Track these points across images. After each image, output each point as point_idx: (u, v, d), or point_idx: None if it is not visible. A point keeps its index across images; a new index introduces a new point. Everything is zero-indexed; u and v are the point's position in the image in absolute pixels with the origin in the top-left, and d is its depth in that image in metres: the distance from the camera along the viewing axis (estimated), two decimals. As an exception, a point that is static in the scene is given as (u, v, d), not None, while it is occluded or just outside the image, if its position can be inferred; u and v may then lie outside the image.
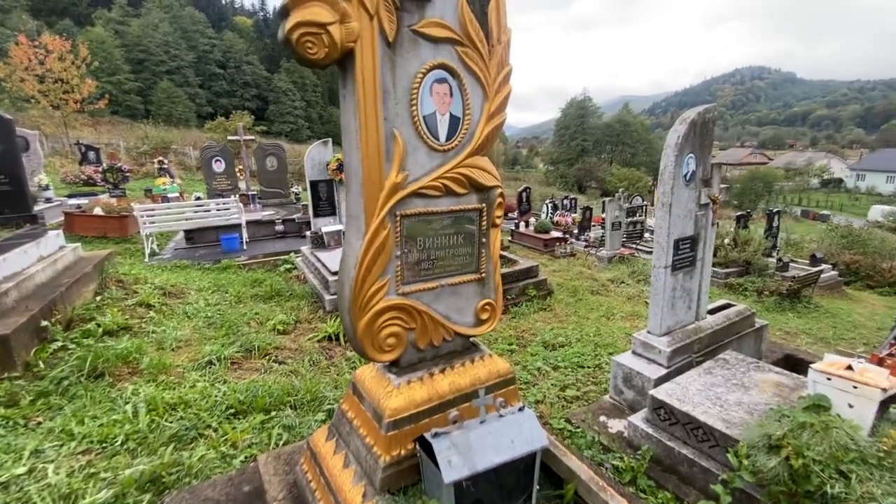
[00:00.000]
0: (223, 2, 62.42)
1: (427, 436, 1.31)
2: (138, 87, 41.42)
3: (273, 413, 2.90)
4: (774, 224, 13.32)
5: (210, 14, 52.39)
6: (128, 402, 2.84)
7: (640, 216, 15.16)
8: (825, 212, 41.59)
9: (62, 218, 8.08)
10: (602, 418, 3.08)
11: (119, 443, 2.45)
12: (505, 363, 1.76)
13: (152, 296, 4.74)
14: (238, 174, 10.98)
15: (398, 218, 1.47)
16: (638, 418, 2.75)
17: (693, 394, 2.63)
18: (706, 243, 3.19)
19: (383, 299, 1.46)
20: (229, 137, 10.54)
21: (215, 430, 2.69)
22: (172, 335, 3.99)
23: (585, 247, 12.31)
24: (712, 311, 3.52)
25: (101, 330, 3.81)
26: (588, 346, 4.89)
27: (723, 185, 3.18)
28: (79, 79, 19.64)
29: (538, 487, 1.43)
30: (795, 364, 3.72)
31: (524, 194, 15.75)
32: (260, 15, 63.60)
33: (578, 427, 3.06)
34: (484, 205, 1.66)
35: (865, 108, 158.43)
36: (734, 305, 3.62)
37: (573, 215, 16.14)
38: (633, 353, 3.22)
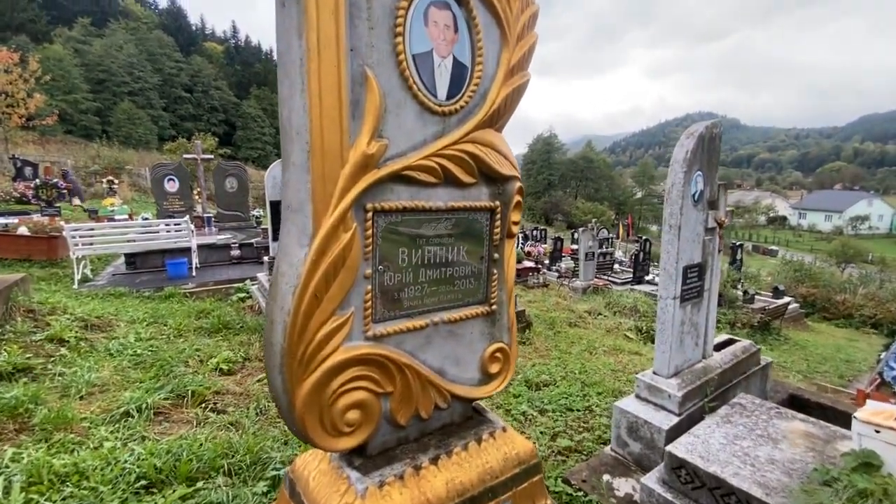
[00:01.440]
0: (194, 27, 61.65)
1: None
2: (96, 106, 39.66)
3: (200, 483, 2.25)
4: (738, 256, 13.65)
5: (179, 38, 51.45)
6: (0, 473, 2.14)
7: (608, 248, 15.31)
8: (773, 247, 44.23)
9: (-20, 238, 7.07)
10: (606, 477, 2.60)
11: (-32, 538, 1.77)
12: (525, 441, 1.20)
13: (68, 329, 3.98)
14: (195, 195, 10.21)
15: (370, 214, 0.95)
16: (652, 480, 2.30)
17: (717, 449, 2.22)
18: (713, 272, 2.87)
19: (342, 347, 0.90)
20: (185, 156, 9.81)
21: (115, 510, 2.03)
22: (85, 378, 3.26)
23: (558, 277, 12.16)
24: (717, 348, 3.19)
25: (-11, 372, 3.06)
26: (574, 384, 4.47)
27: (728, 208, 2.90)
28: (25, 93, 18.37)
29: None
30: (802, 405, 3.41)
31: (496, 224, 15.61)
32: (231, 42, 63.04)
33: (580, 489, 2.56)
34: (498, 203, 1.15)
35: (801, 153, 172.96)
36: (738, 340, 3.31)
37: (544, 246, 16.10)
38: (638, 397, 2.80)
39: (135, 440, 2.61)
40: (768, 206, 68.29)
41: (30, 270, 6.41)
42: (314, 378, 0.85)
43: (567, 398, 4.12)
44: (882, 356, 5.38)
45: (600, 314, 8.47)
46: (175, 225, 7.18)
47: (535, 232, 20.79)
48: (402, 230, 0.97)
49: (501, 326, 1.20)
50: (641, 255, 12.43)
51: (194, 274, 7.02)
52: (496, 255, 1.14)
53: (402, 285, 0.99)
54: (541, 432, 3.45)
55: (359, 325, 0.94)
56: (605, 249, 14.56)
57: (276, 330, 0.85)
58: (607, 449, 2.90)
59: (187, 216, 7.74)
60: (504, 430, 1.21)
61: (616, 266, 14.40)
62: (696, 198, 2.59)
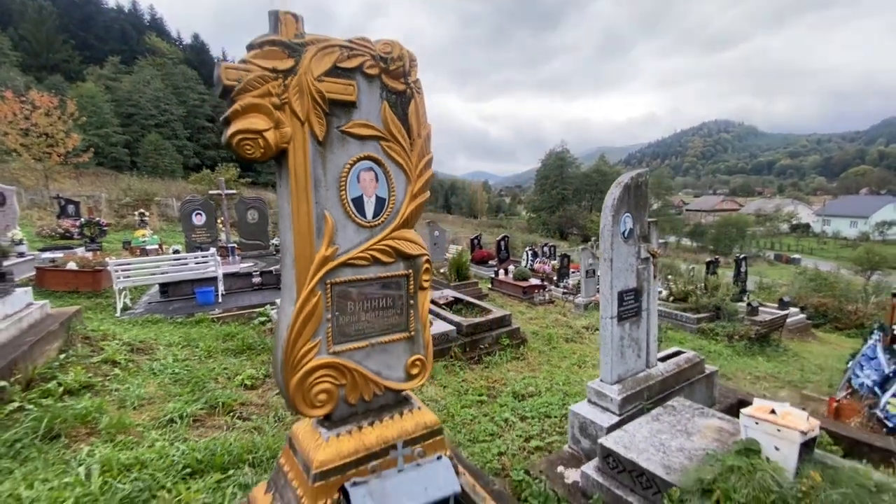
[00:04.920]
0: (216, 59, 64.98)
1: (347, 485, 1.41)
2: (125, 139, 42.07)
3: (231, 471, 2.89)
4: (742, 269, 13.85)
5: (202, 71, 54.35)
6: (81, 464, 2.81)
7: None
8: (796, 255, 43.21)
9: (34, 272, 8.02)
10: (559, 468, 3.13)
11: (67, 507, 2.42)
12: (432, 415, 1.89)
13: (119, 352, 4.72)
14: (219, 226, 11.13)
15: (329, 286, 1.65)
16: (590, 467, 2.83)
17: (639, 441, 2.74)
18: (650, 295, 3.41)
19: (314, 359, 1.61)
20: (210, 192, 10.76)
21: (169, 491, 2.67)
22: (136, 393, 3.96)
23: (564, 293, 12.51)
24: (665, 359, 3.69)
25: (61, 389, 3.78)
26: (557, 395, 4.96)
27: (660, 241, 3.45)
28: (64, 133, 19.97)
29: None
30: (747, 409, 3.85)
31: (502, 242, 16.16)
32: (250, 73, 66.33)
33: (537, 478, 3.10)
34: (411, 271, 1.87)
35: (824, 158, 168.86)
36: (684, 353, 3.80)
37: (552, 262, 16.51)
38: (589, 401, 3.34)
39: (179, 440, 3.27)
40: (790, 213, 66.84)
41: (78, 301, 7.27)
42: (299, 375, 1.55)
43: (547, 407, 4.62)
44: (849, 364, 5.72)
45: (597, 329, 8.88)
46: (202, 257, 8.01)
47: (544, 248, 21.21)
48: (348, 292, 1.66)
49: (419, 345, 1.87)
50: (643, 270, 12.79)
51: (220, 300, 7.79)
52: (412, 301, 1.83)
53: (351, 322, 1.70)
54: (517, 435, 3.99)
55: (325, 346, 1.63)
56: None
57: (279, 349, 1.56)
58: (565, 446, 3.43)
59: (213, 248, 8.58)
60: (419, 409, 1.86)
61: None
62: (625, 235, 3.16)
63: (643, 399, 3.26)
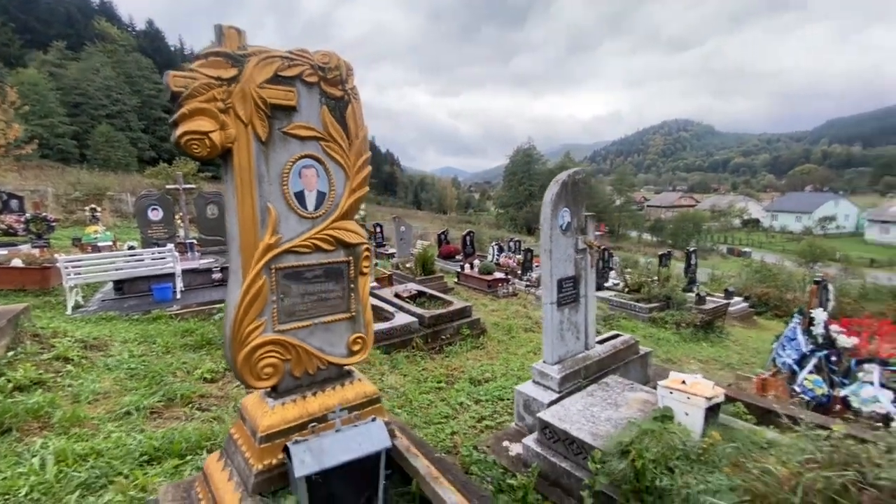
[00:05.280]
0: (172, 48, 62.25)
1: (289, 444, 1.59)
2: (74, 130, 39.74)
3: (189, 457, 2.99)
4: (692, 262, 14.68)
5: (158, 60, 51.90)
6: (35, 455, 2.84)
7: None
8: (747, 249, 45.80)
9: (-25, 271, 7.63)
10: (505, 443, 3.39)
11: (23, 494, 2.47)
12: (372, 387, 2.10)
13: (71, 349, 4.65)
14: (177, 221, 10.85)
15: (273, 270, 1.83)
16: (531, 440, 3.09)
17: (573, 414, 3.03)
18: (587, 282, 3.72)
19: (260, 336, 1.79)
20: (167, 186, 10.49)
21: (126, 477, 2.74)
22: (90, 388, 3.95)
23: (527, 286, 12.91)
24: (604, 341, 4.02)
25: (10, 385, 3.73)
26: (511, 379, 5.24)
27: (598, 233, 3.76)
28: (4, 123, 18.76)
29: (385, 482, 1.73)
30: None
31: (468, 238, 16.45)
32: (210, 63, 63.76)
33: (483, 452, 3.35)
34: (351, 258, 2.08)
35: (774, 156, 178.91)
36: (621, 336, 4.15)
37: (517, 257, 16.95)
38: (533, 381, 3.62)
39: (136, 431, 3.32)
40: (742, 209, 70.67)
41: (25, 299, 7.00)
42: (246, 350, 1.73)
43: (501, 390, 4.90)
44: (774, 346, 6.31)
45: (554, 319, 9.26)
46: (159, 252, 7.85)
47: (510, 243, 21.71)
48: (293, 276, 1.83)
49: (360, 324, 2.07)
50: (601, 263, 13.36)
51: (179, 297, 7.67)
52: (353, 286, 2.01)
53: (295, 304, 1.88)
54: (471, 416, 4.24)
55: (270, 325, 1.81)
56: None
57: (227, 327, 1.75)
58: (512, 423, 3.70)
59: (171, 244, 8.40)
60: (360, 381, 2.06)
61: (582, 273, 15.30)
62: (563, 228, 3.44)
63: (581, 377, 3.56)
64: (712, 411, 2.73)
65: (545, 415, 3.02)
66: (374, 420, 1.78)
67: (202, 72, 1.54)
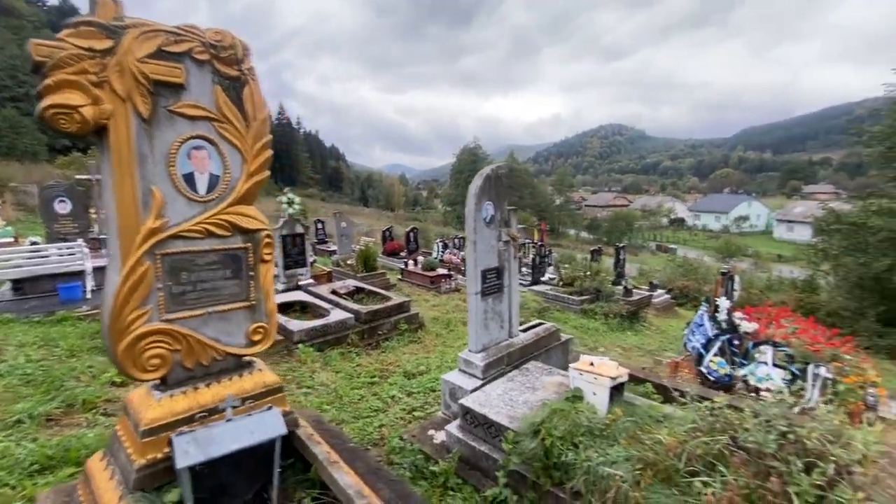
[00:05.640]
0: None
1: (172, 436, 1.53)
2: (-31, 114, 35.14)
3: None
4: (621, 257, 15.62)
5: (71, 40, 46.96)
6: None
7: (521, 253, 16.80)
8: (673, 245, 49.50)
9: None
10: (431, 432, 3.45)
11: None
12: (273, 376, 2.06)
13: (-49, 355, 4.14)
14: (90, 215, 9.94)
15: (159, 256, 1.73)
16: (453, 426, 3.17)
17: (494, 399, 3.14)
18: (511, 273, 3.87)
19: (145, 325, 1.69)
20: (77, 177, 9.56)
21: (13, 488, 2.50)
22: (-28, 396, 3.54)
23: (467, 282, 13.15)
24: (527, 330, 4.19)
25: None
26: (446, 371, 5.32)
27: (519, 226, 3.91)
28: None
29: (281, 469, 1.71)
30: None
31: (412, 234, 16.45)
32: (135, 45, 58.86)
33: (409, 442, 3.39)
34: (250, 244, 2.01)
35: (697, 161, 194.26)
36: (544, 324, 4.35)
37: (461, 253, 17.20)
38: (459, 370, 3.70)
39: (28, 440, 3.02)
40: (669, 209, 76.37)
41: None
42: (127, 341, 1.63)
43: (434, 382, 4.96)
44: (685, 332, 6.88)
45: (493, 313, 9.50)
46: (67, 248, 7.15)
47: (455, 240, 21.96)
48: (181, 262, 1.76)
49: (261, 313, 2.02)
50: (538, 258, 13.89)
51: (89, 296, 7.03)
52: (252, 273, 1.95)
53: (186, 291, 1.80)
54: (401, 409, 4.27)
55: (156, 313, 1.71)
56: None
57: (105, 315, 1.64)
58: (439, 412, 3.77)
59: (81, 239, 7.68)
60: (261, 371, 2.01)
61: (523, 269, 15.83)
62: (487, 220, 3.55)
63: (504, 364, 3.70)
64: (617, 390, 2.95)
65: (467, 401, 3.11)
66: (270, 409, 1.74)
67: (71, 42, 1.42)
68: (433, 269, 12.59)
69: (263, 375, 2.01)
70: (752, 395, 4.93)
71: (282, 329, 6.00)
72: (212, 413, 1.79)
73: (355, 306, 6.86)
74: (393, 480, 2.09)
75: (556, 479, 2.49)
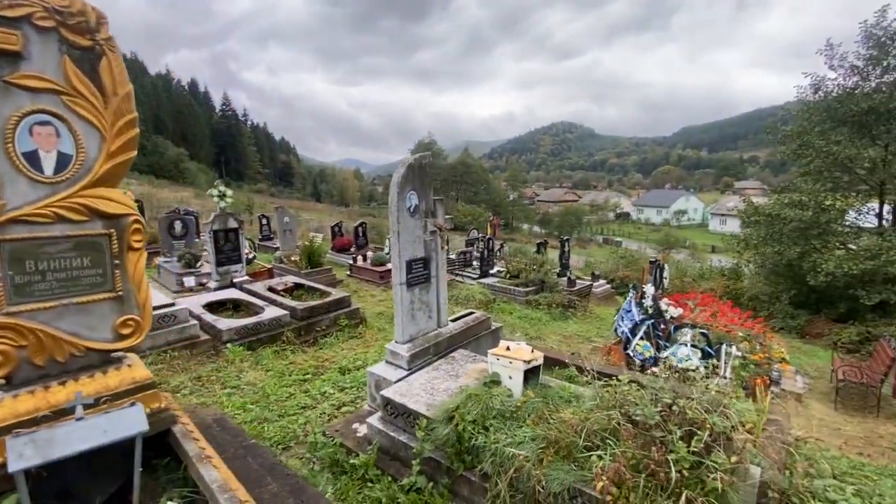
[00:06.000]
0: None
1: (7, 438, 1.40)
2: None
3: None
4: (566, 249, 16.17)
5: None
6: None
7: (473, 248, 16.99)
8: (618, 238, 51.96)
9: None
10: (354, 425, 3.40)
11: None
12: (145, 372, 1.94)
13: None
14: None
15: None
16: (375, 418, 3.14)
17: (416, 388, 3.14)
18: (438, 263, 3.87)
19: None
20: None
21: None
22: None
23: (417, 276, 13.11)
24: (457, 319, 4.23)
25: None
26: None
27: (447, 216, 3.93)
28: None
29: (141, 468, 1.61)
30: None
31: (360, 229, 16.17)
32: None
33: (332, 437, 3.32)
34: (113, 230, 1.86)
35: (641, 158, 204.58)
36: (474, 313, 4.41)
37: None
38: (386, 361, 3.67)
39: None
40: (616, 203, 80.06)
41: None
42: None
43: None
44: (615, 318, 7.23)
45: (439, 306, 9.55)
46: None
47: (406, 235, 21.82)
48: (26, 250, 1.60)
49: (130, 305, 1.89)
50: (486, 252, 14.09)
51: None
52: (117, 262, 1.82)
53: (33, 282, 1.63)
54: (331, 404, 4.18)
55: None
56: (467, 249, 16.19)
57: None
58: (365, 405, 3.73)
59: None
60: (130, 366, 1.88)
61: (474, 263, 16.02)
62: (411, 210, 3.53)
63: (431, 354, 3.70)
64: (532, 373, 3.02)
65: (388, 392, 3.08)
66: (133, 405, 1.62)
67: None
68: (383, 264, 12.45)
69: (133, 371, 1.87)
70: (675, 375, 5.26)
71: (209, 328, 5.72)
72: (67, 413, 1.64)
73: (292, 303, 6.65)
74: (288, 475, 2.03)
75: (469, 463, 2.52)
